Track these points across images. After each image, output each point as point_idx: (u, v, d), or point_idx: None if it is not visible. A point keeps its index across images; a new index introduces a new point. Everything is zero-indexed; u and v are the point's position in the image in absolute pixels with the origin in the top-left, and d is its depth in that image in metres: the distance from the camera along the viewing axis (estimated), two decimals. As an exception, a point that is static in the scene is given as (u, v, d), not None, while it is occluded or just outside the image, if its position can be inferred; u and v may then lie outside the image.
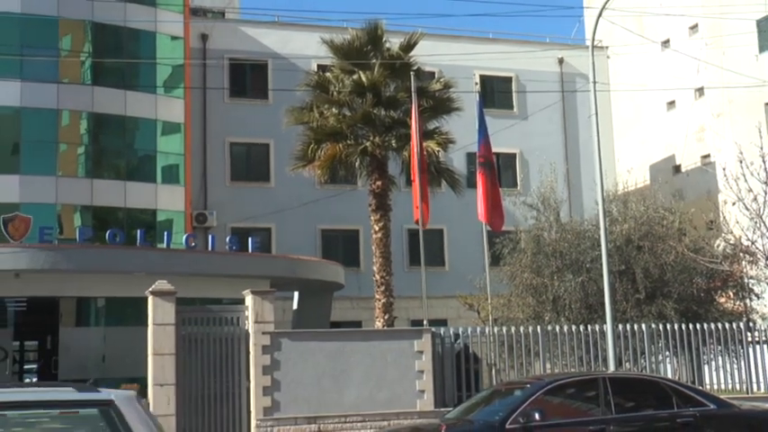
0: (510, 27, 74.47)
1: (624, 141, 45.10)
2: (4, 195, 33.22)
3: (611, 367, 17.45)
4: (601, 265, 18.70)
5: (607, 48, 41.98)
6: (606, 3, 19.34)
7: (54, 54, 35.29)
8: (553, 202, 23.46)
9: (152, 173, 36.70)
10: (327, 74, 28.64)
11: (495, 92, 41.45)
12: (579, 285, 21.02)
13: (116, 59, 35.94)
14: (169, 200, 36.56)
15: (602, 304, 18.44)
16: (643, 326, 18.69)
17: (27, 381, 34.34)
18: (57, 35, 35.62)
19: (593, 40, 19.98)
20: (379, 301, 26.60)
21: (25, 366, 34.76)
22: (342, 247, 38.07)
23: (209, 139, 38.33)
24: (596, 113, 19.26)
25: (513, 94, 42.36)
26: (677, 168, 44.82)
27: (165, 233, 33.43)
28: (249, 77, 39.81)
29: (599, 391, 12.34)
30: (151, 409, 16.44)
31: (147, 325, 16.99)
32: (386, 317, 26.35)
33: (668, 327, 18.70)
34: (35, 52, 34.41)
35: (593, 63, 19.48)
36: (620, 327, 18.48)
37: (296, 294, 33.35)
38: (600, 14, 19.50)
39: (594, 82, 19.35)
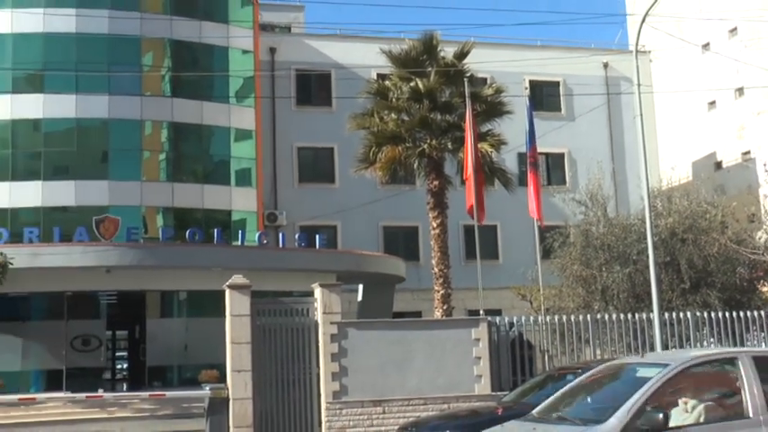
0: (557, 35, 73.80)
1: (667, 140, 44.42)
2: (95, 199, 33.75)
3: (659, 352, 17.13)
4: (647, 257, 18.38)
5: (649, 52, 41.36)
6: (648, 10, 18.97)
7: (137, 70, 35.72)
8: (600, 198, 23.20)
9: (226, 176, 36.96)
10: (386, 82, 28.57)
11: (544, 95, 41.07)
12: (626, 276, 20.77)
13: (192, 73, 36.33)
14: (242, 201, 36.81)
15: (649, 294, 18.14)
16: (688, 314, 18.32)
17: (118, 367, 34.96)
18: (139, 53, 36.05)
19: (637, 45, 19.60)
20: (438, 292, 26.49)
21: (117, 354, 35.23)
22: (402, 242, 38.04)
23: (278, 145, 38.53)
24: (641, 115, 18.90)
25: (561, 98, 41.95)
26: (718, 165, 44.08)
27: (240, 231, 33.64)
28: (314, 87, 39.91)
29: (646, 375, 12.11)
30: (230, 393, 16.60)
31: (224, 316, 17.01)
32: (444, 307, 26.24)
33: (712, 315, 18.30)
34: (120, 69, 34.88)
35: (638, 67, 19.12)
36: (666, 315, 18.12)
37: (360, 287, 33.38)
38: (642, 21, 19.08)
39: (639, 85, 18.99)
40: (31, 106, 34.45)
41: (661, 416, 7.48)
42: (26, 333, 31.25)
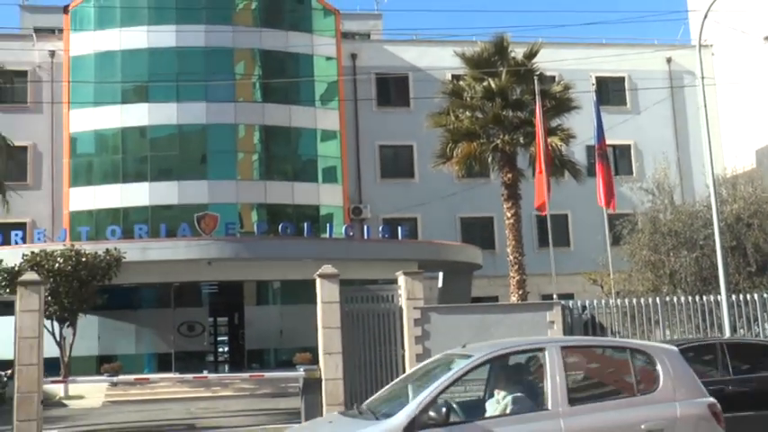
0: (621, 32, 72.40)
1: (730, 129, 43.16)
2: (195, 197, 34.31)
3: (727, 333, 16.76)
4: (713, 241, 18.01)
5: (711, 45, 40.28)
6: (711, 5, 18.51)
7: (231, 79, 36.15)
8: (667, 187, 22.82)
9: (314, 174, 37.20)
10: (461, 82, 28.45)
11: (610, 91, 40.35)
12: (693, 261, 20.41)
13: (281, 80, 36.60)
14: (329, 196, 37.03)
15: (716, 277, 17.78)
16: (755, 296, 17.88)
17: (220, 351, 35.47)
18: (232, 63, 36.52)
19: (700, 40, 19.13)
20: (513, 278, 26.34)
21: (218, 338, 35.72)
22: (479, 232, 37.82)
23: (361, 144, 38.65)
24: (705, 106, 18.52)
25: (626, 92, 41.18)
26: (782, 152, 42.67)
27: (328, 225, 33.83)
28: (393, 89, 39.87)
29: (717, 354, 11.92)
30: (322, 374, 16.75)
31: (316, 303, 17.15)
32: (519, 292, 26.09)
33: (779, 296, 17.85)
34: (216, 78, 35.32)
35: (701, 61, 18.69)
36: (734, 297, 17.73)
37: (440, 274, 33.35)
38: (705, 17, 18.66)
39: (703, 78, 18.56)
40: (138, 115, 35.21)
41: (444, 410, 6.96)
42: (138, 320, 31.96)
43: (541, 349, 7.77)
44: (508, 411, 7.40)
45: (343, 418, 8.04)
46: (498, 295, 33.67)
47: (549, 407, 7.32)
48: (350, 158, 38.02)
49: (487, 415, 7.48)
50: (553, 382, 7.42)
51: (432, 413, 7.01)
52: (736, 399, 11.29)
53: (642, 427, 7.30)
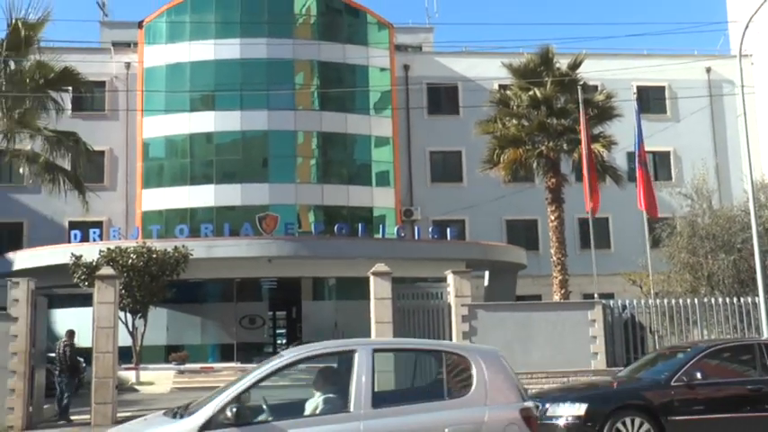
0: (662, 43, 71.27)
1: (768, 136, 42.33)
2: (257, 199, 34.61)
3: (765, 334, 16.40)
4: (751, 245, 17.67)
5: (751, 55, 39.47)
6: (752, 17, 18.14)
7: (291, 88, 36.43)
8: (705, 192, 22.38)
9: (368, 178, 37.30)
10: (507, 92, 28.35)
11: (651, 99, 39.72)
12: (731, 263, 20.00)
13: (337, 89, 36.83)
14: (382, 199, 37.11)
15: (753, 279, 17.42)
16: (792, 297, 17.49)
17: (278, 342, 35.68)
18: (292, 73, 36.79)
19: (741, 50, 18.72)
20: (556, 278, 26.17)
21: (277, 331, 35.94)
22: (523, 233, 37.57)
23: (412, 149, 38.65)
24: (744, 114, 18.17)
25: (666, 101, 40.53)
26: (820, 158, 41.67)
27: (380, 226, 33.87)
28: (443, 98, 39.76)
29: (755, 354, 11.64)
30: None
31: (369, 299, 17.25)
32: (562, 291, 25.91)
33: (815, 298, 17.42)
34: (277, 88, 35.62)
35: (741, 70, 18.33)
36: (772, 299, 17.37)
37: (486, 273, 33.21)
38: (746, 27, 18.31)
39: (743, 86, 18.21)
40: (205, 122, 35.70)
41: (235, 410, 6.66)
42: (204, 313, 32.38)
43: (353, 351, 7.31)
44: (318, 412, 7.12)
45: (158, 416, 7.69)
46: (541, 294, 33.42)
47: (352, 408, 6.95)
48: (402, 163, 38.08)
49: (305, 414, 7.16)
50: (358, 384, 7.01)
51: (228, 413, 6.73)
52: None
53: (446, 430, 6.89)
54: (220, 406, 6.83)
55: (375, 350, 7.34)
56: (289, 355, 7.54)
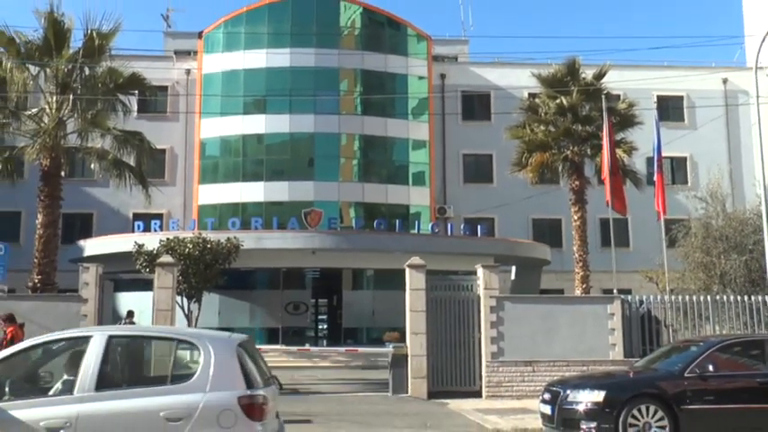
0: (681, 55, 70.29)
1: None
2: (303, 195, 34.85)
3: (773, 330, 16.21)
4: (762, 246, 17.42)
5: (766, 67, 38.71)
6: None
7: (336, 94, 36.62)
8: (720, 196, 22.04)
9: (405, 178, 37.33)
10: (536, 100, 28.19)
11: (670, 108, 39.21)
12: (743, 263, 19.69)
13: (379, 95, 36.87)
14: (418, 198, 37.10)
15: (764, 279, 17.24)
16: (801, 297, 17.23)
17: (320, 327, 35.82)
18: (337, 80, 36.95)
19: (757, 62, 18.40)
20: (578, 274, 25.97)
21: (319, 317, 36.12)
22: (548, 231, 37.33)
23: (447, 152, 38.62)
24: (759, 123, 17.88)
25: (684, 110, 39.94)
26: (830, 164, 40.81)
27: (416, 222, 33.90)
28: (476, 105, 39.67)
29: (764, 350, 11.49)
30: (408, 351, 16.86)
31: (404, 289, 17.32)
32: (583, 286, 25.70)
33: (823, 297, 17.14)
34: (323, 93, 35.87)
35: (757, 82, 18.04)
36: (781, 297, 17.12)
37: (513, 268, 33.08)
38: (762, 41, 17.99)
39: (758, 97, 17.91)
40: (256, 124, 35.99)
41: None
42: (252, 299, 32.61)
43: (89, 337, 7.13)
44: (51, 393, 7.00)
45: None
46: (564, 288, 33.21)
47: (76, 392, 6.78)
48: (437, 165, 38.06)
49: (47, 396, 7.00)
50: (86, 368, 6.83)
51: None
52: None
53: (161, 414, 6.69)
54: None
55: (111, 336, 7.18)
56: (31, 340, 7.41)
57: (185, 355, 7.17)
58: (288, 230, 30.68)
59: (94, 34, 21.90)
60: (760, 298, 17.17)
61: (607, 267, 22.30)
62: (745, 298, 17.30)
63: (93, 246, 31.24)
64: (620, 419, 10.49)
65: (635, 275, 28.61)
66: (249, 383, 6.95)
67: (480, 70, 39.88)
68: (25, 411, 6.71)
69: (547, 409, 11.39)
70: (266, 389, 7.18)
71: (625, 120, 26.68)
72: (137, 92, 25.79)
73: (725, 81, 40.07)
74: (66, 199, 22.28)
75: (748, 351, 11.85)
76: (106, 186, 32.16)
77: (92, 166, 24.56)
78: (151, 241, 26.99)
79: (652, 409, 10.57)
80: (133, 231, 30.84)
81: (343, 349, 28.35)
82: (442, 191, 38.08)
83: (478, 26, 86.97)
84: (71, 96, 21.62)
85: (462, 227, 33.44)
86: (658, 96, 38.12)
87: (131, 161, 23.58)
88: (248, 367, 7.14)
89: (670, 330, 17.06)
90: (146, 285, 19.34)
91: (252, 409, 6.81)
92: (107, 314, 17.76)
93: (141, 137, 23.53)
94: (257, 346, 26.19)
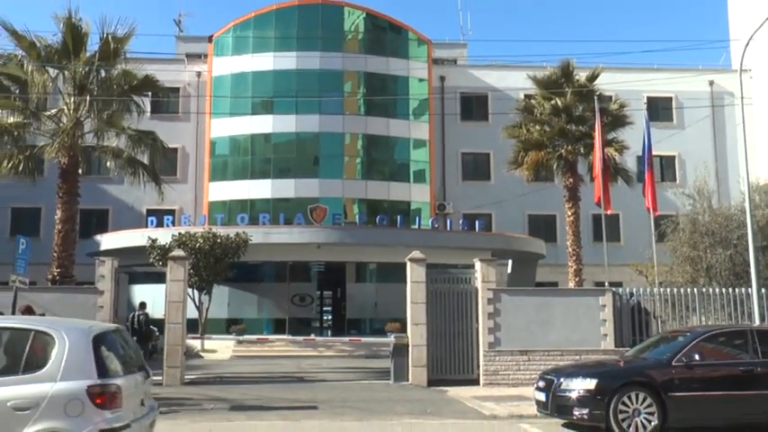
0: (670, 59, 69.80)
1: (764, 143, 41.45)
2: (309, 192, 34.84)
3: (757, 321, 16.20)
4: (746, 241, 17.39)
5: (750, 70, 38.73)
6: (752, 36, 17.84)
7: (340, 95, 36.56)
8: (706, 193, 21.99)
9: (406, 175, 37.31)
10: (532, 101, 28.22)
11: (659, 109, 39.14)
12: (728, 257, 19.67)
13: (381, 97, 36.84)
14: (419, 194, 37.11)
15: (747, 272, 17.16)
16: (782, 289, 17.25)
17: (324, 318, 35.85)
18: (342, 82, 36.89)
19: (741, 65, 18.36)
20: (571, 267, 26.07)
21: (324, 308, 36.18)
22: (543, 227, 37.36)
23: (446, 151, 38.59)
24: (743, 123, 17.87)
25: (673, 110, 39.88)
26: (809, 163, 40.81)
27: (417, 218, 33.93)
28: (474, 106, 39.61)
29: (747, 340, 11.50)
30: (409, 341, 16.87)
31: (405, 282, 17.33)
32: (576, 279, 25.80)
33: (803, 290, 17.15)
34: (328, 95, 35.81)
35: (741, 84, 18.03)
36: (763, 290, 17.10)
37: (510, 262, 33.04)
38: (746, 45, 17.98)
39: (742, 98, 17.91)
40: (264, 124, 36.00)
41: None
42: (260, 291, 32.66)
43: None
44: None
45: None
46: (558, 281, 33.26)
47: None
48: (437, 163, 38.05)
49: None
50: None
51: None
52: (762, 378, 10.99)
53: (9, 404, 6.47)
54: None
55: None
56: None
57: (42, 344, 6.90)
58: (294, 226, 30.68)
59: (110, 38, 21.96)
60: (744, 290, 17.18)
61: (599, 261, 22.32)
62: (730, 290, 17.32)
63: (108, 240, 31.33)
64: (611, 406, 10.53)
65: (626, 269, 28.65)
66: (103, 372, 6.77)
67: (478, 73, 39.86)
68: None
69: (541, 397, 11.44)
70: (126, 377, 7.02)
71: (617, 120, 26.73)
72: (150, 93, 25.85)
73: (711, 83, 40.04)
74: (83, 195, 22.37)
75: (732, 341, 11.87)
76: (121, 183, 32.19)
77: (107, 164, 24.63)
78: (164, 236, 27.18)
79: (641, 396, 10.61)
80: (146, 227, 30.98)
81: (346, 339, 28.38)
82: (442, 188, 38.09)
83: (476, 30, 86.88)
84: (88, 97, 21.70)
85: (461, 222, 33.44)
86: (648, 97, 38.09)
87: (145, 159, 23.63)
88: (106, 357, 6.93)
89: (659, 321, 17.07)
90: (159, 278, 19.40)
91: (102, 397, 6.64)
92: (122, 305, 17.84)
93: (154, 136, 23.59)
94: (265, 336, 26.23)
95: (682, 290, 17.46)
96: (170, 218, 31.46)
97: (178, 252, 18.75)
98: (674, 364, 10.94)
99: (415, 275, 17.07)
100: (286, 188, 35.33)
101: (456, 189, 38.22)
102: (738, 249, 19.59)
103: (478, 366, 16.70)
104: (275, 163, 36.03)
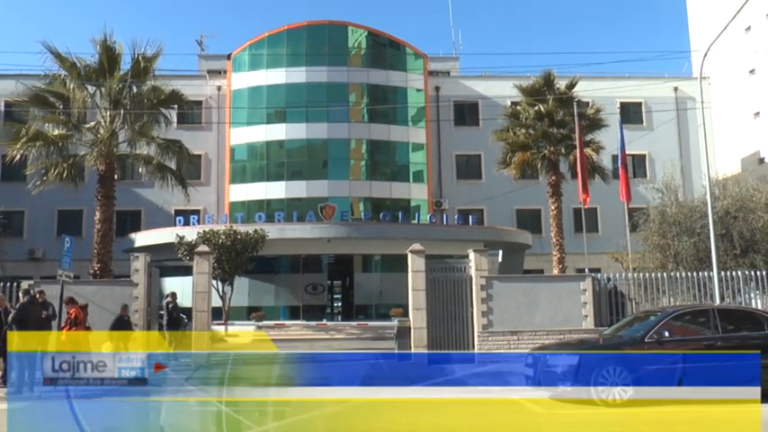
0: (640, 68, 69.77)
1: (723, 142, 41.63)
2: (319, 192, 34.87)
3: (717, 301, 16.37)
4: (708, 230, 17.51)
5: (709, 77, 38.73)
6: (709, 47, 17.95)
7: (345, 105, 36.58)
8: (673, 187, 22.04)
9: (406, 176, 37.33)
10: (518, 107, 28.26)
11: (631, 113, 39.09)
12: (692, 245, 19.72)
13: (382, 106, 36.90)
14: (417, 193, 37.17)
15: (709, 258, 17.27)
16: (739, 273, 17.37)
17: (335, 305, 35.98)
18: (347, 93, 36.89)
19: (701, 73, 18.47)
20: (555, 256, 26.16)
21: (334, 296, 36.27)
22: (529, 220, 37.35)
23: (442, 153, 38.57)
24: (704, 125, 18.01)
25: (643, 114, 39.81)
26: (761, 160, 40.93)
27: (416, 214, 34.04)
28: (466, 112, 39.56)
29: (709, 318, 11.66)
30: (411, 324, 16.98)
31: (407, 272, 17.40)
32: (559, 266, 25.89)
33: (757, 273, 17.28)
34: (334, 105, 35.84)
35: (701, 90, 18.19)
36: (723, 273, 17.24)
37: (500, 252, 32.85)
38: (705, 56, 18.09)
39: (702, 103, 18.06)
40: (278, 132, 36.03)
41: None
42: (277, 282, 32.76)
43: None
44: None
45: None
46: (543, 269, 33.35)
47: None
48: (433, 164, 38.06)
49: None
50: None
51: None
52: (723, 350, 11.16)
53: None
54: None
55: None
56: None
57: None
58: (306, 223, 30.77)
59: (140, 58, 22.17)
60: (706, 274, 17.32)
61: (580, 250, 22.50)
62: (694, 274, 17.44)
63: (141, 238, 31.48)
64: (591, 379, 10.71)
65: (603, 256, 28.77)
66: None
67: (469, 83, 39.91)
68: None
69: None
70: None
71: (593, 123, 26.80)
72: (176, 106, 25.92)
73: (676, 89, 40.06)
74: (119, 198, 22.57)
75: (697, 319, 12.02)
76: (152, 187, 32.31)
77: (140, 169, 24.79)
78: (190, 233, 27.20)
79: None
80: (175, 225, 31.06)
81: (355, 323, 28.50)
82: (438, 187, 38.15)
83: (468, 45, 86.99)
84: (122, 111, 21.92)
85: (456, 217, 33.55)
86: (621, 103, 38.14)
87: (172, 165, 23.80)
88: None
89: (633, 303, 17.18)
90: (186, 271, 19.55)
91: None
92: (154, 296, 18.02)
93: (180, 144, 23.76)
94: (281, 322, 26.17)
95: (653, 274, 17.58)
96: (195, 217, 31.61)
97: (203, 248, 18.89)
98: (646, 340, 11.09)
99: (415, 265, 17.13)
100: (298, 189, 35.39)
101: (451, 187, 38.28)
102: (701, 237, 19.68)
103: (473, 346, 16.82)
104: (288, 167, 36.06)
